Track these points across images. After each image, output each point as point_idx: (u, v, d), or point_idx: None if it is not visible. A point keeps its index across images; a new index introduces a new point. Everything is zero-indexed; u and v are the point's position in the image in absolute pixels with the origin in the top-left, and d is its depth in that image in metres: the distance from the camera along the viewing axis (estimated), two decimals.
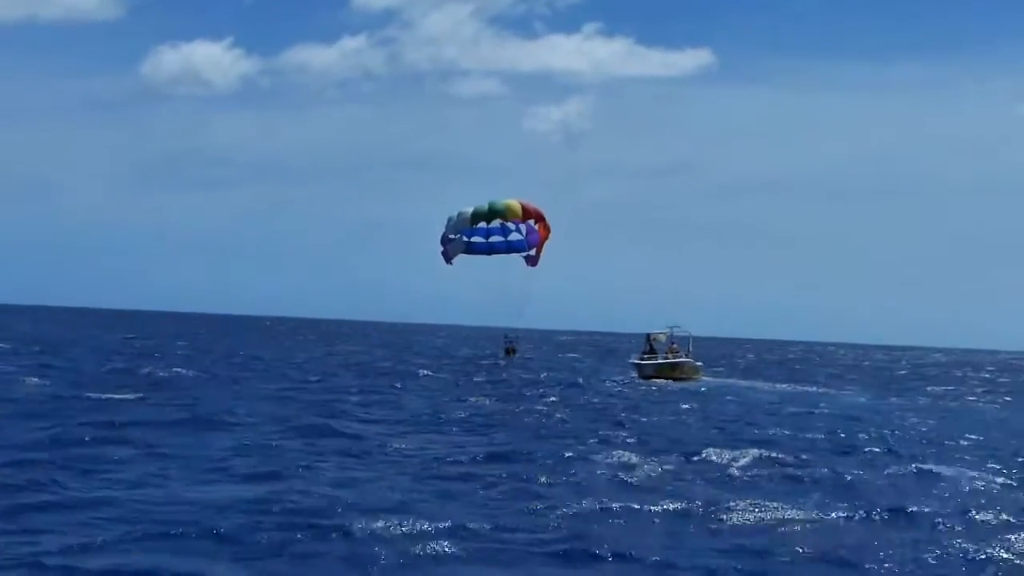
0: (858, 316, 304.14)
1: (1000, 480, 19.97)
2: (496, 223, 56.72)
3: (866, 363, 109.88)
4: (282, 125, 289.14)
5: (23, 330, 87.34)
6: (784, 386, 54.96)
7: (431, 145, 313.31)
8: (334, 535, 13.07)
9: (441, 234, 57.97)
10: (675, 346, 55.70)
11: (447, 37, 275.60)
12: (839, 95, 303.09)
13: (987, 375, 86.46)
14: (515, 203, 56.88)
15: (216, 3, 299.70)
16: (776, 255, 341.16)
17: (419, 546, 12.63)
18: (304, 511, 14.45)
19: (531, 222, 57.12)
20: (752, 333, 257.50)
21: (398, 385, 40.94)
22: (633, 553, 12.87)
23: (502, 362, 63.97)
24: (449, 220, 57.31)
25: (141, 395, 30.16)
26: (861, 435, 28.30)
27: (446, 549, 12.59)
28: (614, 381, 50.68)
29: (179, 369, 43.11)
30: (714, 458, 21.39)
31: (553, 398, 37.06)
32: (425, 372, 50.79)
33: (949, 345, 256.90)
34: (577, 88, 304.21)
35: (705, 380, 54.57)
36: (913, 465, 21.47)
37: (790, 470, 20.41)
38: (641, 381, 51.06)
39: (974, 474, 20.40)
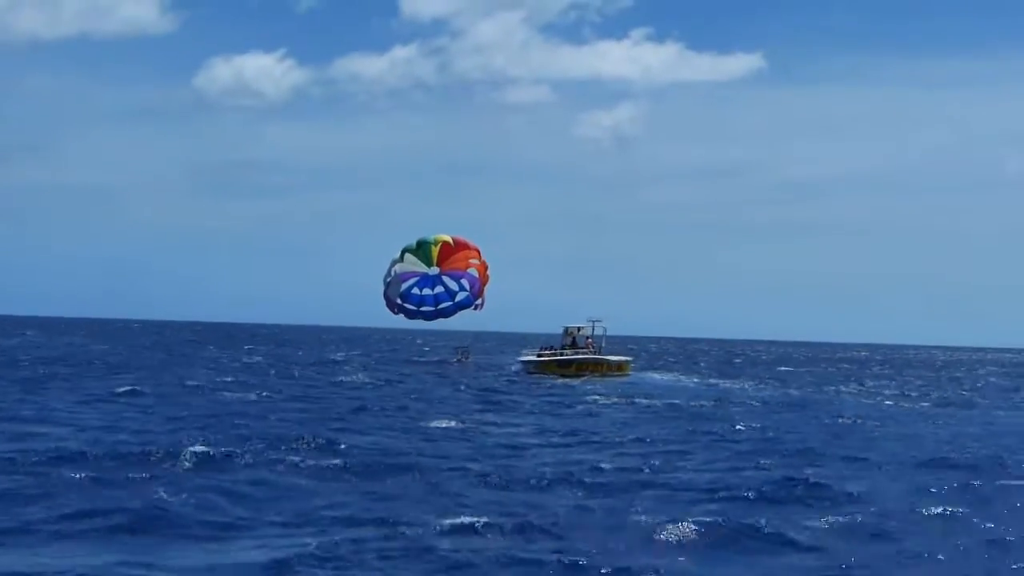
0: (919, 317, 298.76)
1: None
2: (440, 288, 58.72)
3: (826, 365, 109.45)
4: (334, 134, 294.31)
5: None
6: (695, 378, 57.67)
7: (481, 152, 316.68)
8: None
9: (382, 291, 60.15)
10: (590, 340, 57.83)
11: (497, 45, 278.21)
12: (892, 92, 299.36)
13: None
14: (445, 236, 59.18)
15: (269, 16, 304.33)
16: (837, 253, 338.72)
17: None
18: None
19: (472, 271, 58.86)
20: (808, 336, 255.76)
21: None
22: None
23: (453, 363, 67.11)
24: (386, 275, 59.80)
25: None
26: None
27: None
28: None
29: None
30: None
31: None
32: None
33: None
34: (627, 94, 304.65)
35: (637, 375, 56.80)
36: None
37: None
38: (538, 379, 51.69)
39: None
